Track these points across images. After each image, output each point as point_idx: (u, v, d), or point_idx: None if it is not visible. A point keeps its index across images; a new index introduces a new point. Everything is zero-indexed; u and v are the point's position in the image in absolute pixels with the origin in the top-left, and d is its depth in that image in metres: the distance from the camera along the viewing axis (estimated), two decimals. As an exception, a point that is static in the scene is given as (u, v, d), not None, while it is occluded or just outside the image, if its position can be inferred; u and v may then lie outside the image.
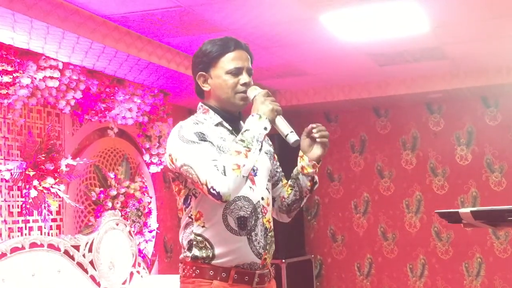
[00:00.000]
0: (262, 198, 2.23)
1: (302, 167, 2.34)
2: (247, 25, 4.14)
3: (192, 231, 2.17)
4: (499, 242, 6.25)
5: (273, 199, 2.39)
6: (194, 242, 2.15)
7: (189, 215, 2.18)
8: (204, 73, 2.26)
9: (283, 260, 6.00)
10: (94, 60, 4.24)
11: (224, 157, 2.06)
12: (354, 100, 6.28)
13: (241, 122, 2.32)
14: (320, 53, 4.98)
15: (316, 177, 2.39)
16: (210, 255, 2.13)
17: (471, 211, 2.08)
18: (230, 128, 2.26)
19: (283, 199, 2.40)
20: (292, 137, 2.15)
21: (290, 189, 2.39)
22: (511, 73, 5.61)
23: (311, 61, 5.24)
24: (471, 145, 6.42)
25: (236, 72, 2.23)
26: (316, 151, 2.29)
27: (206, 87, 2.27)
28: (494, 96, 6.30)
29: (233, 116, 2.29)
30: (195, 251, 2.15)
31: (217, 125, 2.24)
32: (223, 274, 2.12)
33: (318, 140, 2.27)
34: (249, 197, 2.17)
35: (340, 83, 6.14)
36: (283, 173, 2.45)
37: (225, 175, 1.99)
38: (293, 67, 5.39)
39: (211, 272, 2.12)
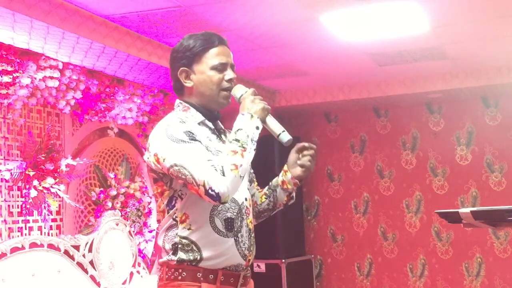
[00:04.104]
0: (246, 199, 2.18)
1: (283, 182, 2.30)
2: (247, 25, 4.13)
3: (176, 233, 2.09)
4: (499, 242, 6.24)
5: None
6: (180, 245, 2.08)
7: (173, 217, 2.10)
8: (186, 68, 2.17)
9: (283, 260, 5.99)
10: (94, 60, 4.24)
11: (220, 157, 2.01)
12: (354, 100, 6.27)
13: (219, 122, 2.26)
14: (320, 53, 4.97)
15: (294, 194, 2.34)
16: (198, 257, 2.07)
17: (471, 211, 2.08)
18: (213, 127, 2.20)
19: (255, 205, 2.34)
20: (285, 137, 2.12)
21: (265, 198, 2.33)
22: (511, 73, 5.61)
23: (311, 61, 5.24)
24: (471, 145, 6.42)
25: (221, 68, 2.16)
26: (299, 171, 2.27)
27: (188, 83, 2.18)
28: (494, 96, 6.29)
29: (213, 115, 2.22)
30: (181, 254, 2.08)
31: (199, 123, 2.16)
32: (211, 276, 2.06)
33: (302, 162, 2.25)
34: (235, 198, 2.12)
35: (340, 83, 6.14)
36: (254, 174, 2.39)
37: (224, 175, 1.94)
38: (293, 67, 5.39)
39: (199, 275, 2.06)
